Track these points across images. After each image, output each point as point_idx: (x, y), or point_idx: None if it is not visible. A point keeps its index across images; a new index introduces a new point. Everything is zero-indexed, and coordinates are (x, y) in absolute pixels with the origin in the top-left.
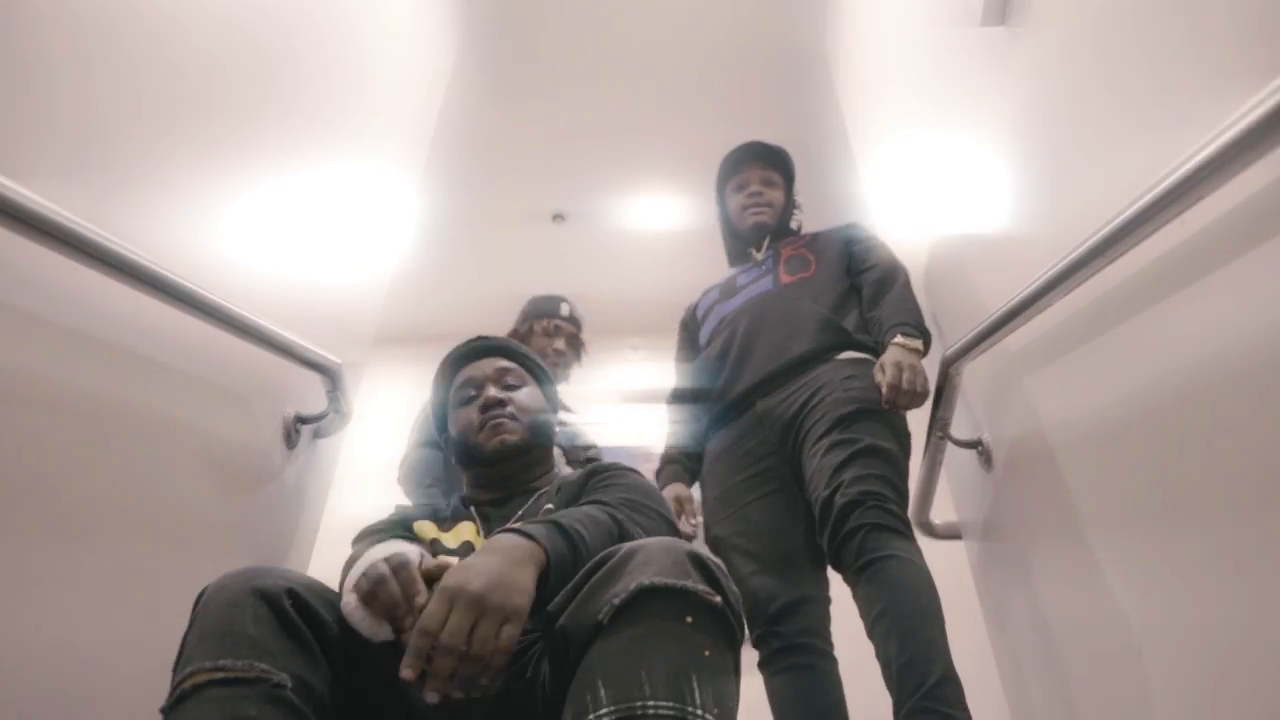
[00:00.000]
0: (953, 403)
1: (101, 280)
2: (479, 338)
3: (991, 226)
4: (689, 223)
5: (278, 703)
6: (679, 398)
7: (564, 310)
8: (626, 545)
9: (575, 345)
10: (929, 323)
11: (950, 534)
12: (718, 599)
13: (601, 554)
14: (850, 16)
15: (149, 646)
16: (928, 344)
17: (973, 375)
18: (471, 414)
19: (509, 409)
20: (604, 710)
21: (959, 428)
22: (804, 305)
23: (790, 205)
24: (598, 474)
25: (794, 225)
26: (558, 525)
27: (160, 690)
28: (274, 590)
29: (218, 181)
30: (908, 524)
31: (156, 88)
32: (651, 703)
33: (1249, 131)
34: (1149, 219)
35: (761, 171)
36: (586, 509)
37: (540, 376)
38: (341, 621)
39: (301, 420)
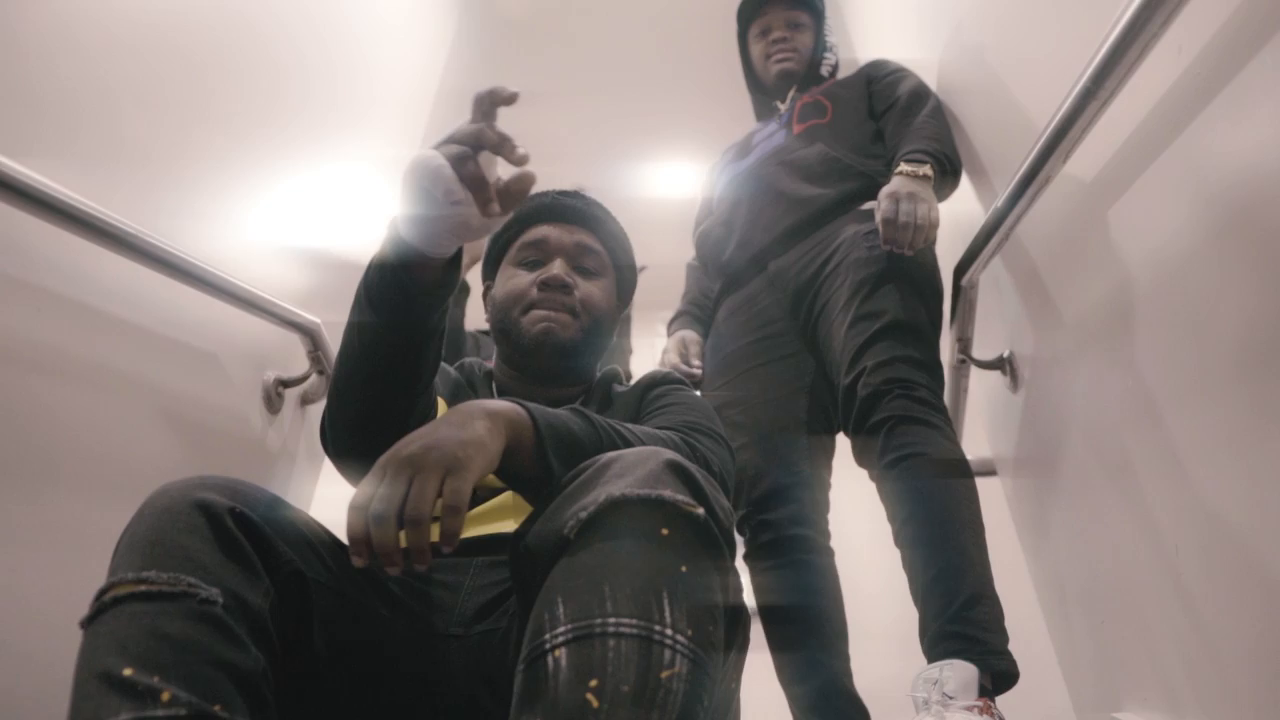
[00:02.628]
0: (970, 319)
1: (62, 236)
2: (574, 193)
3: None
4: None
5: (204, 619)
6: (697, 264)
7: None
8: (604, 456)
9: None
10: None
11: (985, 470)
12: (699, 511)
13: (577, 468)
14: None
15: None
16: (947, 169)
17: (989, 287)
18: (527, 285)
19: (573, 300)
20: (561, 629)
21: (981, 348)
22: (818, 151)
23: (821, 48)
24: (657, 386)
25: (825, 71)
26: (580, 412)
27: None
28: (216, 505)
29: (201, 153)
30: (941, 410)
31: (130, 55)
32: (613, 620)
33: None
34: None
35: (786, 12)
36: (645, 428)
37: (623, 273)
38: (293, 542)
39: (283, 384)
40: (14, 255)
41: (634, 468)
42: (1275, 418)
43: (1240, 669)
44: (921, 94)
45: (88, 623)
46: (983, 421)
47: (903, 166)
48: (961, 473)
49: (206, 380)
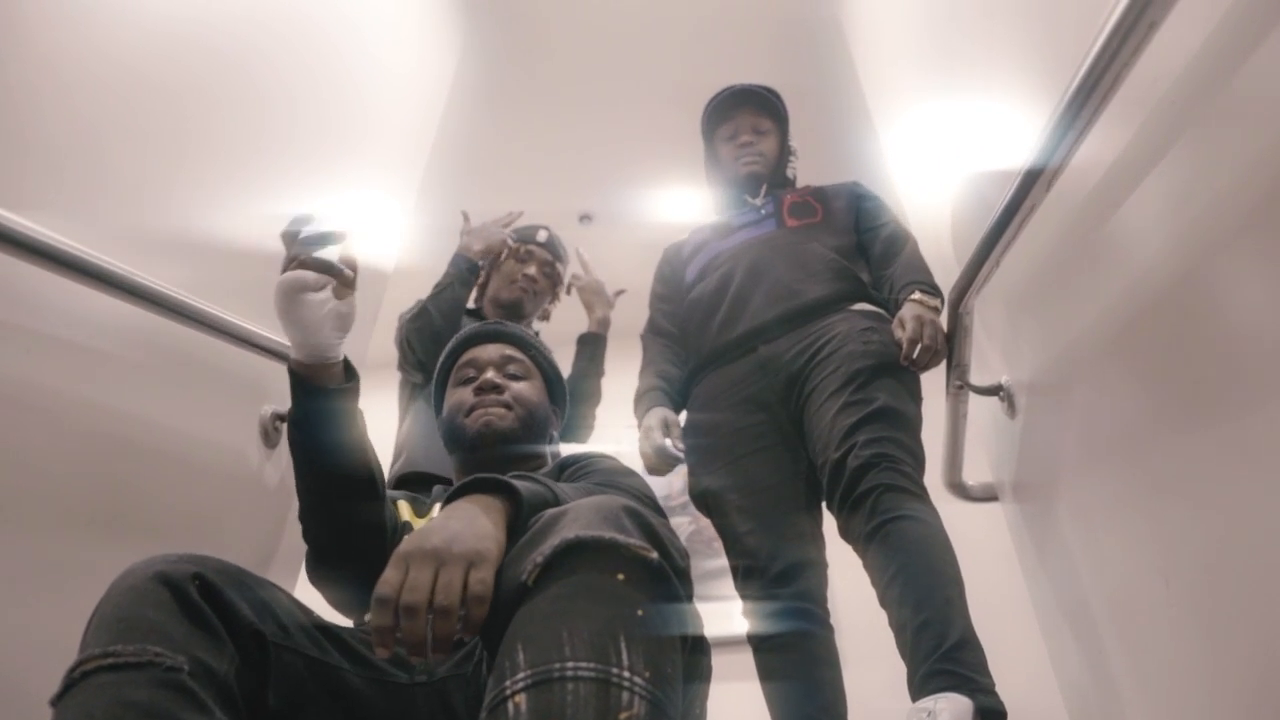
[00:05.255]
0: (966, 346)
1: (51, 277)
2: (493, 322)
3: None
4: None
5: (170, 687)
6: (659, 334)
7: (540, 236)
8: (560, 507)
9: (549, 274)
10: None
11: (986, 495)
12: (653, 555)
13: (534, 518)
14: None
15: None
16: (943, 306)
17: (985, 314)
18: (465, 394)
19: (505, 396)
20: (521, 675)
21: (978, 376)
22: (816, 249)
23: (785, 153)
24: (571, 465)
25: (789, 174)
26: (527, 476)
27: None
28: (178, 574)
29: (193, 189)
30: (923, 488)
31: (115, 95)
32: (570, 664)
33: None
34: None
35: (752, 118)
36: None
37: (549, 375)
38: (254, 605)
39: (280, 417)
40: (2, 297)
41: (588, 512)
42: (1273, 442)
43: (1241, 696)
44: (906, 229)
45: (57, 700)
46: (983, 448)
47: (918, 295)
48: (942, 536)
49: (202, 416)
